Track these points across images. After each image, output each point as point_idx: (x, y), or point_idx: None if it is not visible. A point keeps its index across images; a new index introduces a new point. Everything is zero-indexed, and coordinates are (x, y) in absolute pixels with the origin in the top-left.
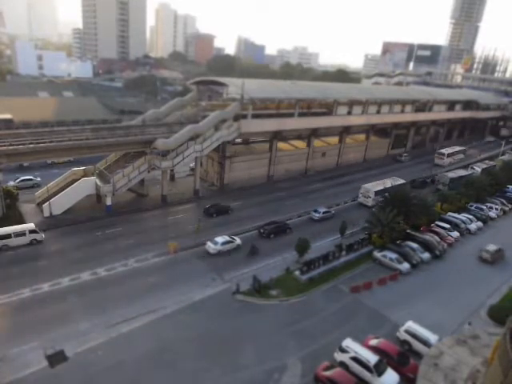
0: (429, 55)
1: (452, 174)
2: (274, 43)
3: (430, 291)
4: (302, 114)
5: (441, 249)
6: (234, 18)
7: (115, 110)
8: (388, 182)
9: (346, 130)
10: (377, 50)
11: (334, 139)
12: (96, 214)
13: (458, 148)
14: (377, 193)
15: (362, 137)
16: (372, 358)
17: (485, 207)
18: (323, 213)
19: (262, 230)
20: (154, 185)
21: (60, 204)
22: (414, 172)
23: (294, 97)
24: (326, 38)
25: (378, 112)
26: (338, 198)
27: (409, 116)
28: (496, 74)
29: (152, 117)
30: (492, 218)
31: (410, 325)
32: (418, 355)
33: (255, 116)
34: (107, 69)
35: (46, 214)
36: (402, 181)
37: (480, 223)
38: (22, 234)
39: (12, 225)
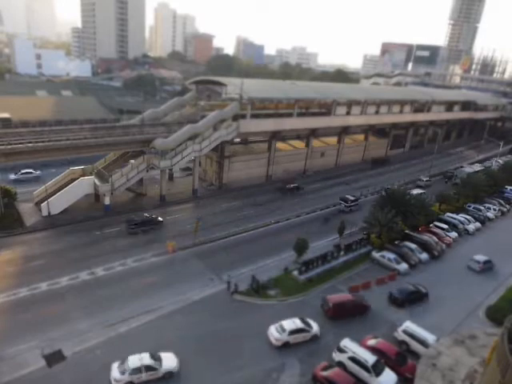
0: (427, 56)
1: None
2: (273, 43)
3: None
4: (300, 114)
5: (439, 249)
6: (234, 18)
7: (114, 109)
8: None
9: (344, 131)
10: (376, 51)
11: (333, 139)
12: (94, 213)
13: None
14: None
15: (361, 137)
16: (370, 358)
17: (483, 208)
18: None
19: None
20: (153, 184)
21: (58, 203)
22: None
23: (292, 97)
24: (325, 38)
25: (377, 112)
26: (338, 197)
27: (407, 116)
28: (495, 75)
29: (151, 116)
30: (490, 219)
31: (408, 325)
32: (416, 355)
33: (254, 116)
34: (106, 68)
35: (44, 213)
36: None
37: (478, 224)
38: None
39: (11, 224)
